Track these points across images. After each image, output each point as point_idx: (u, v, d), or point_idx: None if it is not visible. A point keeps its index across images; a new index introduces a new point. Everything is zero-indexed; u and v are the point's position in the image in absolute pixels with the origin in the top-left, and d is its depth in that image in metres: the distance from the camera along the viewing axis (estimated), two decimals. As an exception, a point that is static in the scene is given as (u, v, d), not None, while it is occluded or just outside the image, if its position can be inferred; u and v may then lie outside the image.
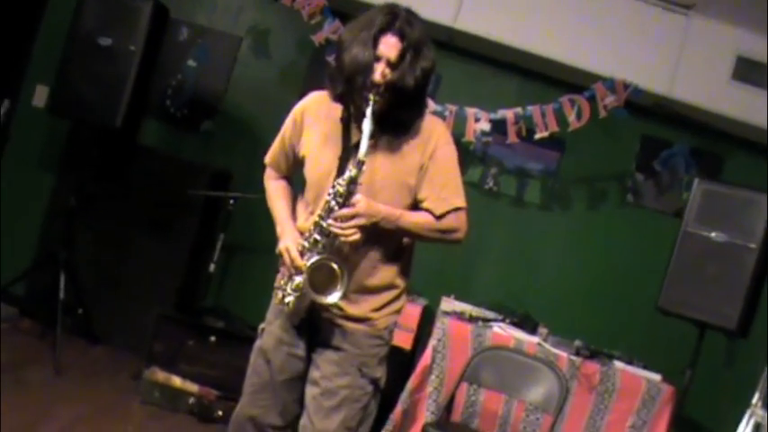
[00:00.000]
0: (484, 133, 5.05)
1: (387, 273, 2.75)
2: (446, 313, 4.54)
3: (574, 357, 4.23)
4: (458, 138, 4.94)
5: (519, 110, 4.89)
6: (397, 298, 2.81)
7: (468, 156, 5.28)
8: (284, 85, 5.50)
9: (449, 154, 2.73)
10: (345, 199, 2.56)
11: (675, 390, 4.20)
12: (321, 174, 2.70)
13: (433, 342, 4.31)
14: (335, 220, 2.58)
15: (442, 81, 5.35)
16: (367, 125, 2.53)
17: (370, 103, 2.54)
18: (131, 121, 4.85)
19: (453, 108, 4.92)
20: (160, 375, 4.48)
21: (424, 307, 4.90)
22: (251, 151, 5.37)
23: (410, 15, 2.62)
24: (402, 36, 2.56)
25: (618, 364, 4.29)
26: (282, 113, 5.34)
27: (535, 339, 4.35)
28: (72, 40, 4.76)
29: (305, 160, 2.76)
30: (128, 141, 5.20)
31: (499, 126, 4.95)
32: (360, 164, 2.52)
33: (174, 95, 5.57)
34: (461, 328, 4.32)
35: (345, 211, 2.57)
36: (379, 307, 2.77)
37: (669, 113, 5.13)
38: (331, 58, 2.69)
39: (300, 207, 2.83)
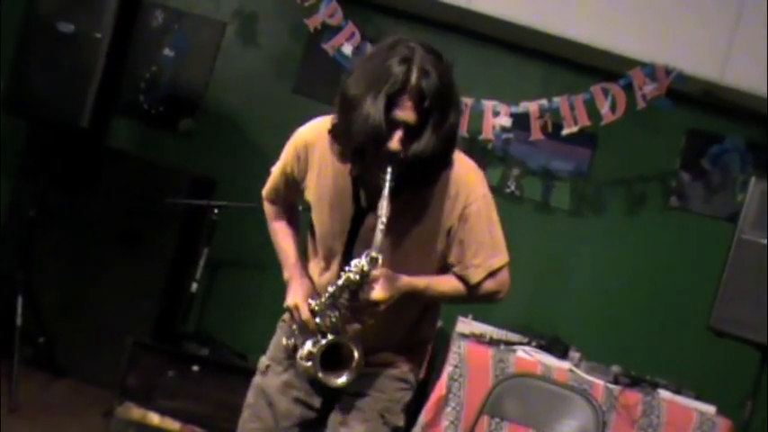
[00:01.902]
0: (504, 129, 5.07)
1: (412, 328, 2.76)
2: (463, 336, 4.54)
3: (611, 386, 4.22)
4: (474, 135, 5.02)
5: (544, 102, 4.90)
6: (424, 344, 2.85)
7: (486, 155, 5.29)
8: (275, 78, 5.52)
9: (482, 210, 2.62)
10: (360, 285, 2.47)
11: (733, 424, 4.18)
12: (331, 234, 2.65)
13: (448, 369, 4.31)
14: (350, 307, 2.53)
15: (456, 70, 5.23)
16: (383, 208, 2.39)
17: (387, 179, 2.40)
18: (99, 121, 4.83)
19: (468, 101, 4.92)
20: (135, 412, 4.45)
21: (438, 329, 4.79)
22: (237, 154, 5.47)
23: (427, 59, 2.39)
24: (421, 95, 2.36)
25: (664, 394, 4.27)
26: (273, 110, 5.32)
27: (566, 365, 4.35)
28: (27, 26, 4.74)
29: (311, 204, 2.69)
30: (95, 143, 5.17)
31: (521, 121, 4.97)
32: (374, 260, 2.41)
33: (149, 90, 5.57)
34: (481, 353, 4.31)
35: (361, 301, 2.49)
36: (405, 352, 2.78)
37: (720, 103, 5.11)
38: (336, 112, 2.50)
39: (311, 252, 2.79)
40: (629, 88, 4.75)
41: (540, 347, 4.50)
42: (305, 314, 2.60)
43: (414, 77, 2.35)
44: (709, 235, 5.15)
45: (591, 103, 4.81)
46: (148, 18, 5.49)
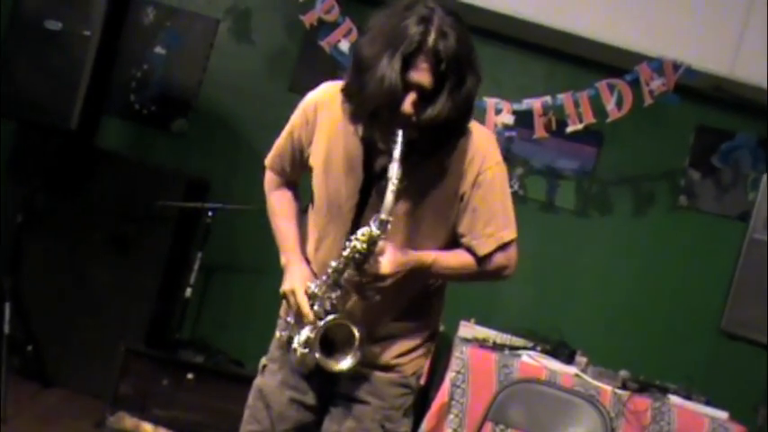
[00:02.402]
0: (506, 127, 5.02)
1: (415, 315, 2.74)
2: (465, 340, 4.54)
3: (619, 391, 4.22)
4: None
5: (547, 98, 4.88)
6: (427, 341, 2.80)
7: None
8: (270, 76, 5.51)
9: (497, 177, 2.61)
10: (366, 256, 2.46)
11: (747, 431, 4.17)
12: (335, 200, 2.61)
13: (450, 375, 4.31)
14: (354, 279, 2.50)
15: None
16: (394, 170, 2.37)
17: (399, 141, 2.38)
18: (88, 121, 4.83)
19: None
20: (128, 422, 4.46)
21: (440, 333, 4.81)
22: (232, 154, 5.47)
23: (445, 21, 2.35)
24: (437, 58, 2.33)
25: (674, 399, 4.28)
26: (268, 109, 5.32)
27: (572, 370, 4.36)
28: (13, 25, 4.73)
29: (313, 173, 2.67)
30: (84, 145, 5.15)
31: (524, 118, 4.95)
32: (383, 224, 2.40)
33: (140, 89, 5.56)
34: (484, 358, 4.31)
35: (368, 273, 2.48)
36: (406, 351, 2.74)
37: (730, 98, 5.09)
38: (347, 69, 2.51)
39: (311, 227, 2.74)
40: (635, 84, 4.73)
41: (546, 352, 4.52)
42: (300, 298, 2.58)
43: (431, 39, 2.32)
44: (720, 235, 5.15)
45: (596, 99, 4.80)
46: (139, 15, 5.47)
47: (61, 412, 4.78)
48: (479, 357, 4.31)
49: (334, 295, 2.54)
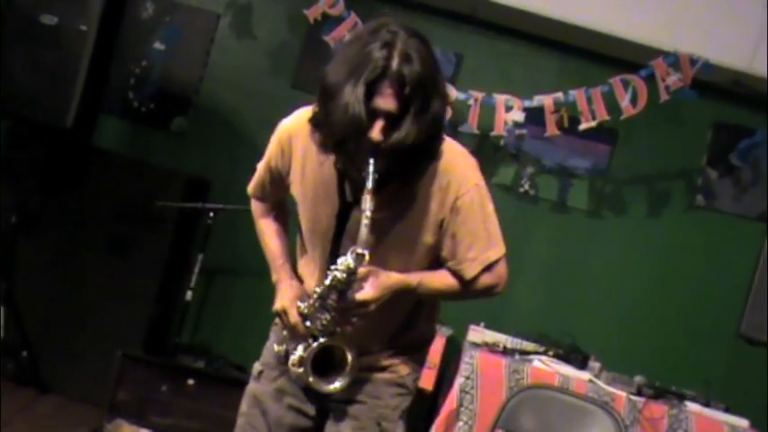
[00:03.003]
0: (517, 125, 5.04)
1: (407, 326, 2.79)
2: (475, 345, 4.54)
3: (635, 397, 4.21)
4: (485, 131, 5.02)
5: (559, 95, 4.90)
6: (423, 345, 2.88)
7: (498, 153, 5.29)
8: (273, 72, 5.51)
9: (475, 200, 2.62)
10: (348, 285, 2.50)
11: None
12: (315, 228, 2.68)
13: (459, 381, 4.31)
14: (339, 308, 2.55)
15: (465, 62, 5.36)
16: (367, 202, 2.40)
17: (370, 171, 2.40)
18: (85, 120, 4.86)
19: (479, 95, 4.93)
20: (126, 430, 4.47)
21: (448, 338, 4.90)
22: (233, 153, 5.46)
23: (409, 44, 2.37)
24: (401, 82, 2.35)
25: (691, 406, 4.27)
26: (271, 107, 5.31)
27: (585, 375, 4.34)
28: (7, 19, 4.73)
29: (297, 200, 2.72)
30: (81, 144, 5.18)
31: (536, 116, 4.95)
32: (359, 257, 2.43)
33: (138, 86, 5.55)
34: (494, 364, 4.30)
35: (352, 301, 2.51)
36: (401, 353, 2.80)
37: (749, 93, 5.07)
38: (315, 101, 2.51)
39: (302, 263, 2.82)
40: (651, 79, 4.73)
41: (558, 357, 4.51)
42: (294, 318, 2.63)
43: (395, 63, 2.34)
44: (739, 236, 5.14)
45: (610, 95, 4.80)
46: (137, 9, 5.47)
47: (57, 420, 4.77)
48: (489, 362, 4.30)
49: (324, 317, 2.58)
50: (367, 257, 2.43)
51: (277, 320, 2.80)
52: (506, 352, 4.45)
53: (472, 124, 4.93)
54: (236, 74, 5.52)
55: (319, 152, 2.56)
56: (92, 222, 5.12)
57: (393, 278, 2.56)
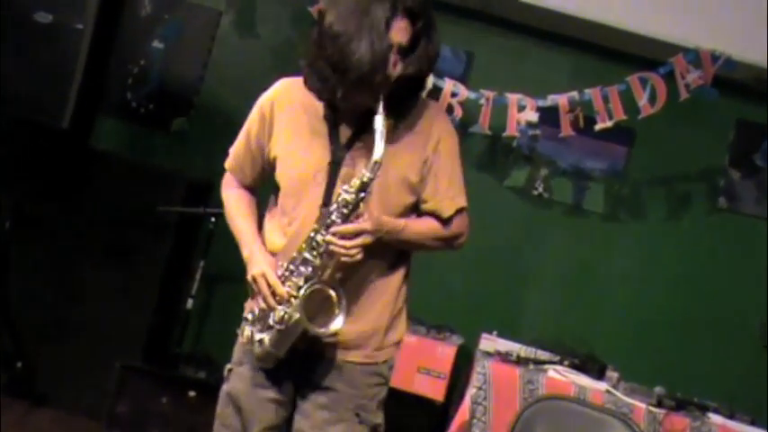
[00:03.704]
0: (530, 125, 5.03)
1: (384, 292, 2.86)
2: (487, 354, 4.53)
3: (654, 409, 4.19)
4: (497, 132, 5.01)
5: (574, 94, 4.90)
6: (395, 322, 2.91)
7: (511, 154, 5.29)
8: (276, 70, 5.19)
9: (452, 145, 2.89)
10: (353, 210, 2.67)
11: None
12: (305, 174, 2.79)
13: (471, 391, 4.30)
14: (336, 236, 2.66)
15: (476, 60, 5.36)
16: (380, 122, 2.62)
17: (381, 99, 2.63)
18: (82, 120, 4.90)
19: (490, 95, 4.93)
20: None
21: (460, 347, 4.89)
22: None
23: None
24: (414, 16, 2.65)
25: (715, 418, 4.25)
26: None
27: (603, 386, 4.33)
28: (1, 17, 4.73)
29: (277, 162, 2.86)
30: (78, 146, 5.19)
31: (550, 115, 4.95)
32: (376, 166, 2.62)
33: (137, 86, 5.56)
34: (508, 374, 4.30)
35: (351, 226, 2.66)
36: (376, 333, 2.86)
37: (774, 91, 5.07)
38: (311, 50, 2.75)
39: (272, 222, 2.91)
40: (670, 77, 4.72)
41: (574, 366, 4.49)
42: (272, 278, 2.72)
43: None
44: (763, 240, 5.11)
45: (627, 94, 4.80)
46: (135, 6, 5.47)
47: (53, 433, 4.79)
48: (502, 372, 4.29)
49: (311, 260, 2.67)
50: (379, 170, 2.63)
51: (246, 309, 2.94)
52: (520, 361, 4.44)
53: (483, 125, 4.92)
54: (239, 73, 5.51)
55: (307, 108, 2.80)
56: (89, 228, 5.12)
57: (385, 218, 2.74)
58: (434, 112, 2.89)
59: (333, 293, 2.69)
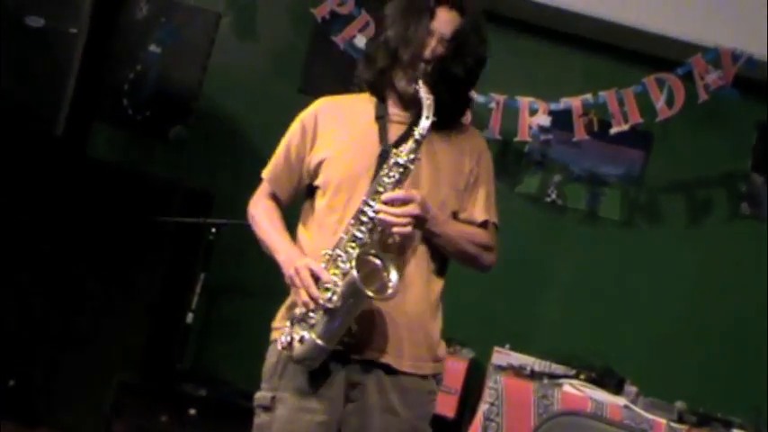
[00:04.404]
0: (543, 130, 5.08)
1: (432, 300, 2.94)
2: (500, 368, 4.56)
3: (675, 425, 4.21)
4: (508, 137, 5.02)
5: (588, 97, 4.91)
6: (440, 333, 2.98)
7: (522, 160, 5.31)
8: (278, 76, 5.53)
9: (491, 163, 3.07)
10: (403, 175, 2.77)
11: None
12: (358, 169, 2.88)
13: (483, 407, 4.30)
14: (385, 204, 2.74)
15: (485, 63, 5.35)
16: (424, 93, 2.78)
17: (419, 80, 2.81)
18: (77, 128, 4.88)
19: (501, 98, 4.95)
20: None
21: (471, 361, 4.91)
22: (237, 164, 5.46)
23: None
24: (461, 10, 2.88)
25: None
26: (276, 113, 5.32)
27: (621, 401, 4.35)
28: (-9, 21, 4.77)
29: (325, 163, 2.93)
30: (73, 154, 5.19)
31: (563, 119, 4.97)
32: (421, 136, 2.75)
33: (133, 93, 5.58)
34: (521, 388, 4.31)
35: (400, 193, 2.75)
36: (429, 345, 2.93)
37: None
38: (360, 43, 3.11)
39: (313, 226, 2.96)
40: (688, 78, 4.73)
41: (590, 380, 4.51)
42: (317, 267, 2.75)
43: None
44: (788, 247, 5.11)
45: (644, 96, 4.81)
46: (131, 9, 5.50)
47: (48, 454, 4.78)
48: (515, 387, 4.30)
49: (362, 236, 2.74)
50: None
51: (273, 335, 2.91)
52: (534, 376, 4.46)
53: (494, 130, 4.93)
54: (239, 78, 5.54)
55: (354, 111, 2.98)
56: (84, 239, 5.10)
57: (430, 204, 2.83)
58: (473, 130, 3.08)
59: (380, 262, 2.74)
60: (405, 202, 2.74)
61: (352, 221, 2.76)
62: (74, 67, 4.65)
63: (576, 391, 4.34)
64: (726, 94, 4.71)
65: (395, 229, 2.73)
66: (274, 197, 3.06)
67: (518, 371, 4.51)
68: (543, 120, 4.94)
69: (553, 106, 4.91)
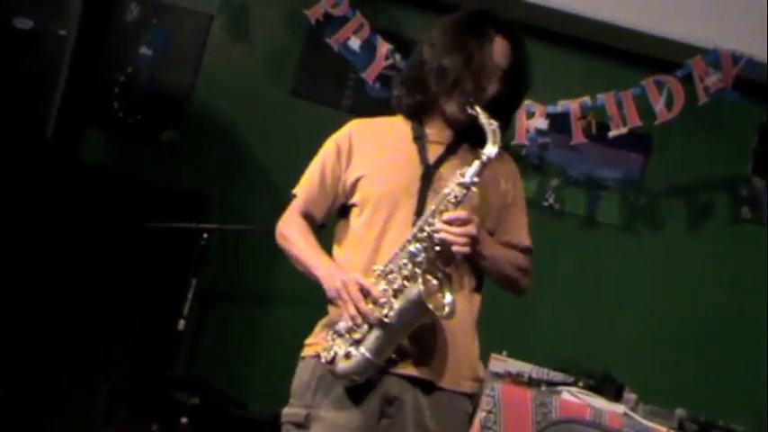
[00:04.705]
0: (540, 133, 5.08)
1: (473, 317, 3.11)
2: (497, 376, 4.50)
3: None
4: (505, 140, 4.89)
5: (586, 99, 4.91)
6: (479, 352, 3.16)
7: (519, 163, 5.21)
8: (271, 78, 5.53)
9: (523, 188, 3.20)
10: (461, 198, 2.82)
11: None
12: (399, 186, 2.95)
13: (480, 416, 4.11)
14: (444, 223, 2.80)
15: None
16: (485, 119, 2.84)
17: (476, 106, 2.87)
18: (66, 132, 4.92)
19: None
20: None
21: None
22: (229, 167, 5.49)
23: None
24: (516, 44, 3.00)
25: None
26: (270, 116, 5.31)
27: (620, 409, 4.24)
28: (-23, 23, 4.78)
29: (362, 181, 2.99)
30: (62, 158, 5.20)
31: (560, 122, 4.98)
32: (489, 160, 2.82)
33: (124, 96, 5.56)
34: (518, 396, 4.18)
35: (462, 213, 2.80)
36: (470, 363, 3.07)
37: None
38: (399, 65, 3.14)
39: (348, 245, 3.00)
40: (688, 80, 4.73)
41: (589, 388, 4.42)
42: (364, 281, 2.78)
43: (509, 26, 3.04)
44: (790, 252, 5.10)
45: (642, 99, 4.81)
46: (121, 11, 5.48)
47: (36, 466, 4.78)
48: (513, 395, 4.19)
49: (406, 267, 2.79)
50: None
51: (305, 352, 2.95)
52: (532, 383, 4.41)
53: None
54: (232, 80, 5.53)
55: (392, 131, 3.05)
56: (74, 245, 5.10)
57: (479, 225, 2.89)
58: (506, 154, 3.13)
59: (437, 282, 2.81)
60: (465, 222, 2.79)
61: (410, 238, 2.80)
62: (63, 70, 4.67)
63: (575, 398, 4.25)
64: (726, 97, 4.71)
65: (454, 248, 2.78)
66: (306, 216, 3.08)
67: (515, 378, 4.44)
68: (540, 123, 4.94)
69: (550, 109, 4.91)
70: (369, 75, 4.99)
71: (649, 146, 5.26)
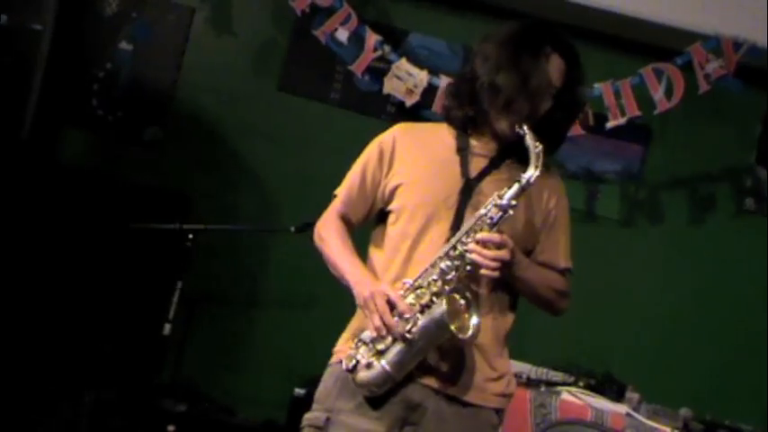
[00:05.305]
0: None
1: (505, 333, 3.04)
2: None
3: None
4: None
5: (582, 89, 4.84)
6: (509, 367, 3.08)
7: None
8: (256, 73, 5.52)
9: (568, 206, 3.12)
10: (498, 220, 2.81)
11: None
12: (436, 197, 2.94)
13: None
14: (477, 244, 2.80)
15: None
16: (531, 141, 2.80)
17: (525, 125, 2.84)
18: (43, 131, 4.91)
19: None
20: None
21: None
22: (214, 166, 5.47)
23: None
24: (572, 63, 2.93)
25: None
26: (255, 112, 5.29)
27: (623, 409, 4.30)
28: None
29: (401, 188, 3.01)
30: (40, 159, 5.19)
31: None
32: (528, 184, 2.81)
33: (104, 92, 5.54)
34: (517, 397, 4.04)
35: (496, 236, 2.79)
36: (498, 378, 2.99)
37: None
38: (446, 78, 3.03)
39: (383, 251, 3.03)
40: (688, 68, 4.75)
41: (590, 387, 4.47)
42: (393, 294, 2.78)
43: (565, 43, 2.93)
44: (795, 244, 5.10)
45: (641, 88, 4.82)
46: (100, 5, 5.46)
47: (19, 475, 4.75)
48: (512, 396, 4.27)
49: (434, 284, 2.79)
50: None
51: (333, 360, 2.96)
52: (531, 383, 4.43)
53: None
54: (216, 76, 5.52)
55: (435, 140, 3.03)
56: (54, 248, 5.10)
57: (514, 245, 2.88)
58: (554, 170, 3.10)
59: (464, 303, 2.81)
60: (499, 246, 2.79)
61: (442, 254, 2.81)
62: (39, 66, 4.68)
63: (576, 398, 4.31)
64: (728, 85, 4.72)
65: (483, 271, 2.79)
66: (344, 218, 3.10)
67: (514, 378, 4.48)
68: (537, 114, 4.95)
69: (547, 100, 4.92)
70: (357, 67, 4.98)
71: (649, 137, 5.28)
